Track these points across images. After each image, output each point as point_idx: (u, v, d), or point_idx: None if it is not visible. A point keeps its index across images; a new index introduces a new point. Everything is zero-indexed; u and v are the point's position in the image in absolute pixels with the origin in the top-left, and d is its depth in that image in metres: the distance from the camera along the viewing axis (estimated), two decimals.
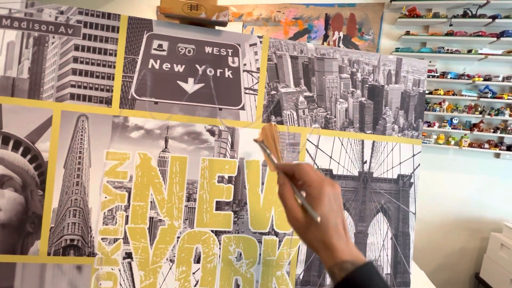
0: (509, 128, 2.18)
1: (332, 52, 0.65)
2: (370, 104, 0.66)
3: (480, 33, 2.15)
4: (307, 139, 0.63)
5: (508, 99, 2.14)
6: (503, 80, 2.15)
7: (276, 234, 0.62)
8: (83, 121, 0.55)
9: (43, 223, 0.53)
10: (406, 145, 0.68)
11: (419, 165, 0.68)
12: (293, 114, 0.63)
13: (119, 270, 0.55)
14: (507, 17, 2.11)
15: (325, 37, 2.45)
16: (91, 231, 0.55)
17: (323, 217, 0.35)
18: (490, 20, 2.09)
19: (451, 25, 2.17)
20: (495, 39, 2.12)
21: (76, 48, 0.55)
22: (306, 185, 0.37)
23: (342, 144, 0.65)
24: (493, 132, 2.21)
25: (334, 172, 0.64)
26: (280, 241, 0.62)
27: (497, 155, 2.28)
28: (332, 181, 0.37)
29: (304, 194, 0.38)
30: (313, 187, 0.36)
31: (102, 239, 0.55)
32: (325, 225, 0.35)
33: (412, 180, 0.68)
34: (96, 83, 0.55)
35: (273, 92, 0.62)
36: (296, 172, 0.38)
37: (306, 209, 0.36)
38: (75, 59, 0.55)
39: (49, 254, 0.53)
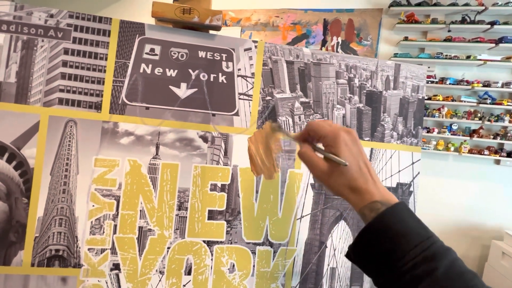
0: (509, 134, 2.17)
1: (328, 57, 0.63)
2: (368, 111, 0.65)
3: (478, 39, 2.16)
4: None
5: (507, 105, 2.14)
6: (502, 86, 2.14)
7: (271, 244, 0.59)
8: (71, 127, 0.53)
9: (27, 233, 0.51)
10: (405, 153, 0.66)
11: (418, 173, 0.67)
12: (288, 120, 0.61)
13: (106, 282, 0.53)
14: (505, 23, 2.11)
15: (324, 43, 2.46)
16: (77, 241, 0.52)
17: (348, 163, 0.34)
18: (489, 26, 2.10)
19: (449, 31, 2.18)
20: (493, 45, 2.12)
21: (66, 52, 0.53)
22: (322, 137, 0.37)
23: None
24: (493, 138, 2.19)
25: None
26: (274, 252, 0.59)
27: (497, 162, 2.26)
28: (346, 128, 0.37)
29: (322, 147, 0.38)
30: (328, 136, 0.36)
31: (88, 249, 0.53)
32: (348, 169, 0.34)
33: (411, 189, 0.66)
34: (85, 87, 0.54)
35: (268, 98, 0.60)
36: (310, 130, 0.38)
37: (328, 158, 0.36)
38: (65, 63, 0.53)
39: (33, 265, 0.51)
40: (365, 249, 0.33)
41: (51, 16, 0.53)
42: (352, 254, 0.34)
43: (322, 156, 0.37)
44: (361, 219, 0.35)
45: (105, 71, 0.54)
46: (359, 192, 0.34)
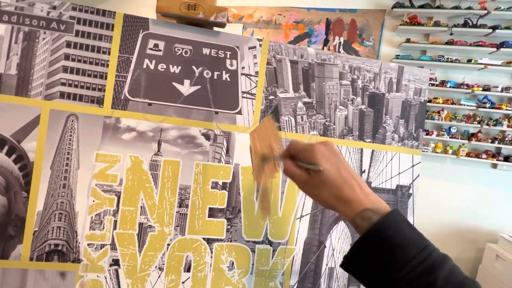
0: (506, 138, 2.18)
1: (333, 58, 0.63)
2: (370, 112, 0.65)
3: (480, 43, 2.16)
4: None
5: (506, 109, 2.15)
6: (502, 91, 2.15)
7: (270, 243, 0.60)
8: (72, 121, 0.52)
9: (26, 227, 0.51)
10: (405, 155, 0.66)
11: (418, 175, 0.67)
12: (291, 120, 0.61)
13: (105, 278, 0.53)
14: (507, 27, 2.11)
15: (326, 42, 2.45)
16: (77, 236, 0.52)
17: (323, 169, 0.34)
18: (490, 30, 2.10)
19: (451, 34, 2.17)
20: (495, 49, 2.13)
21: (68, 45, 0.53)
22: (300, 152, 0.37)
23: (340, 152, 0.63)
24: (491, 142, 2.21)
25: None
26: (274, 251, 0.60)
27: (494, 166, 2.28)
28: (323, 140, 0.38)
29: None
30: (305, 150, 0.37)
31: (88, 244, 0.52)
32: (330, 178, 0.34)
33: (410, 191, 0.66)
34: (87, 81, 0.53)
35: (271, 97, 0.60)
36: (290, 148, 0.39)
37: (307, 168, 0.36)
38: (67, 57, 0.53)
39: (31, 259, 0.51)
40: (361, 261, 0.32)
41: (54, 8, 0.52)
42: (347, 264, 0.34)
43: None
44: (355, 230, 0.34)
45: (107, 66, 0.54)
46: (346, 201, 0.34)
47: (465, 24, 2.16)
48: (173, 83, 0.56)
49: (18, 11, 0.51)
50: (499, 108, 2.16)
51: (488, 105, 2.18)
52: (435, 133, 2.27)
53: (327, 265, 0.62)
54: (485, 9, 2.10)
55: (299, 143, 0.38)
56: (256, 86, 0.59)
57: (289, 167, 0.38)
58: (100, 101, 0.53)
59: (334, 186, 0.34)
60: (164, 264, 0.55)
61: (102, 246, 0.53)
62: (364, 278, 0.32)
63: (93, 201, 0.53)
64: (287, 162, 0.38)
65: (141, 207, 0.54)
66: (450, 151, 2.26)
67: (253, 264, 0.59)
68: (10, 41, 0.51)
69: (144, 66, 0.55)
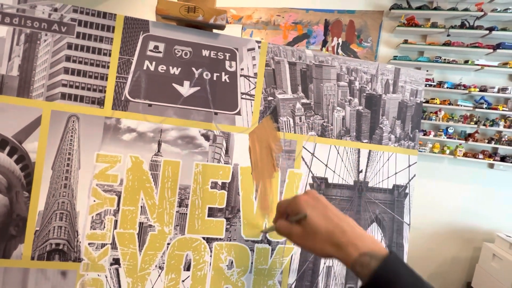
0: (503, 139, 2.20)
1: (330, 60, 0.64)
2: (367, 113, 0.66)
3: (477, 44, 2.18)
4: (303, 147, 0.62)
5: (503, 110, 2.17)
6: (498, 92, 2.18)
7: (269, 242, 0.60)
8: (73, 122, 0.53)
9: (28, 226, 0.51)
10: (402, 155, 0.67)
11: (414, 175, 0.68)
12: (289, 120, 0.62)
13: (106, 277, 0.53)
14: (503, 29, 2.14)
15: (324, 43, 2.46)
16: (77, 235, 0.53)
17: (309, 216, 0.36)
18: (487, 31, 2.12)
19: (448, 35, 2.19)
20: (491, 50, 2.15)
21: (69, 46, 0.53)
22: (287, 208, 0.39)
23: (338, 153, 0.64)
24: (488, 142, 2.23)
25: (330, 181, 0.63)
26: (272, 250, 0.60)
27: (491, 166, 2.30)
28: (306, 190, 0.40)
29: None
30: (290, 205, 0.39)
31: (89, 244, 0.53)
32: (318, 225, 0.35)
33: (407, 191, 0.67)
34: (88, 83, 0.54)
35: (270, 98, 0.61)
36: (278, 209, 0.41)
37: (297, 221, 0.37)
38: (68, 58, 0.53)
39: (32, 258, 0.51)
40: None
41: (55, 10, 0.53)
42: None
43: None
44: (356, 276, 0.34)
45: (108, 67, 0.54)
46: (341, 246, 0.34)
47: (462, 26, 2.18)
48: (173, 84, 0.56)
49: (19, 13, 0.52)
50: (496, 109, 2.19)
51: (484, 106, 2.20)
52: (432, 133, 2.28)
53: (325, 263, 0.63)
54: (482, 10, 2.12)
55: (284, 201, 0.40)
56: (255, 87, 0.60)
57: (282, 225, 0.39)
58: (100, 102, 0.54)
59: (325, 231, 0.35)
60: (164, 263, 0.55)
61: (103, 245, 0.53)
62: None
63: (94, 201, 0.53)
64: (279, 222, 0.40)
65: (141, 207, 0.55)
66: (448, 151, 2.28)
67: (252, 263, 0.59)
68: (12, 42, 0.52)
69: (145, 68, 0.56)
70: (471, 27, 2.16)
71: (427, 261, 2.39)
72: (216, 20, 0.55)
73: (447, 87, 2.24)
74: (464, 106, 2.24)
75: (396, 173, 0.67)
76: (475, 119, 2.24)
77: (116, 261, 0.54)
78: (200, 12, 0.54)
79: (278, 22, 2.52)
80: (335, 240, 0.34)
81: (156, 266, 0.55)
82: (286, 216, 0.40)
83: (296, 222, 0.38)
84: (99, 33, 0.54)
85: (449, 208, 2.36)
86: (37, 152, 0.52)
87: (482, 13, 2.11)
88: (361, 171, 0.65)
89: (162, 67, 0.56)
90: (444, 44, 2.21)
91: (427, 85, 2.24)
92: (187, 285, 0.56)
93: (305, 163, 0.62)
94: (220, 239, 0.58)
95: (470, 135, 2.27)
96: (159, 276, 0.55)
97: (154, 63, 0.56)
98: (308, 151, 0.62)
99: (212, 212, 0.58)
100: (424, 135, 2.29)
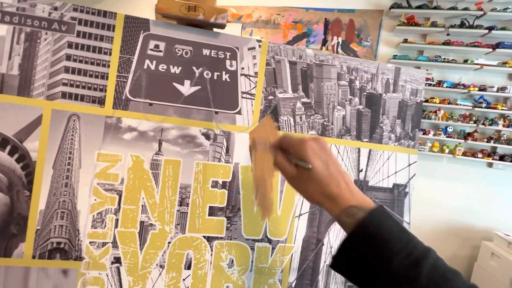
0: (502, 138, 2.21)
1: (331, 59, 0.64)
2: (367, 112, 0.66)
3: (476, 44, 2.18)
4: None
5: (502, 109, 2.18)
6: (497, 91, 2.18)
7: (269, 241, 0.61)
8: (74, 121, 0.53)
9: (29, 225, 0.51)
10: (402, 155, 0.67)
11: (414, 174, 0.68)
12: (290, 120, 0.62)
13: (107, 275, 0.54)
14: (503, 28, 2.14)
15: (324, 42, 2.46)
16: (79, 234, 0.53)
17: (313, 167, 0.35)
18: (487, 31, 2.12)
19: (448, 34, 2.20)
20: (491, 50, 2.15)
21: (70, 45, 0.53)
22: (291, 146, 0.38)
23: (338, 152, 0.64)
24: (487, 141, 2.24)
25: None
26: (273, 249, 0.61)
27: (490, 165, 2.31)
28: (314, 136, 0.38)
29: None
30: (296, 145, 0.37)
31: (90, 242, 0.53)
32: (318, 174, 0.35)
33: (407, 190, 0.67)
34: (89, 82, 0.54)
35: (270, 97, 0.61)
36: (281, 141, 0.39)
37: (297, 164, 0.36)
38: (68, 57, 0.53)
39: (34, 257, 0.51)
40: (348, 259, 0.33)
41: (55, 8, 0.53)
42: (336, 264, 0.34)
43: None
44: (341, 227, 0.35)
45: (109, 66, 0.54)
46: (332, 197, 0.34)
47: (462, 25, 2.18)
48: (174, 84, 0.56)
49: (19, 12, 0.52)
50: (495, 108, 2.19)
51: (484, 105, 2.21)
52: (432, 132, 2.29)
53: (325, 262, 0.63)
54: (481, 10, 2.12)
55: (291, 137, 0.38)
56: (255, 87, 0.60)
57: (280, 160, 0.38)
58: (101, 101, 0.54)
59: (322, 182, 0.35)
60: (165, 262, 0.56)
61: (104, 244, 0.54)
62: (352, 276, 0.33)
63: (95, 199, 0.53)
64: (278, 155, 0.39)
65: (142, 205, 0.55)
66: (447, 150, 2.29)
67: (252, 262, 0.60)
68: (12, 41, 0.52)
69: (145, 67, 0.55)
70: (471, 27, 2.16)
71: None
72: (216, 19, 0.55)
73: (446, 86, 2.24)
74: (463, 105, 2.24)
75: (396, 172, 0.67)
76: (474, 118, 2.25)
77: (117, 260, 0.54)
78: (200, 11, 0.54)
79: (278, 21, 2.52)
80: (328, 191, 0.34)
81: (157, 264, 0.55)
82: (287, 152, 0.39)
83: (295, 164, 0.37)
84: (100, 32, 0.54)
85: (448, 206, 2.37)
86: (37, 151, 0.52)
87: (481, 13, 2.11)
88: (361, 170, 0.65)
89: (163, 66, 0.56)
90: (444, 43, 2.22)
91: (427, 84, 2.24)
92: (187, 283, 0.57)
93: None
94: (221, 238, 0.58)
95: (469, 134, 2.28)
96: (160, 274, 0.55)
97: (154, 62, 0.56)
98: None
99: (212, 211, 0.58)
100: (424, 134, 2.29)
